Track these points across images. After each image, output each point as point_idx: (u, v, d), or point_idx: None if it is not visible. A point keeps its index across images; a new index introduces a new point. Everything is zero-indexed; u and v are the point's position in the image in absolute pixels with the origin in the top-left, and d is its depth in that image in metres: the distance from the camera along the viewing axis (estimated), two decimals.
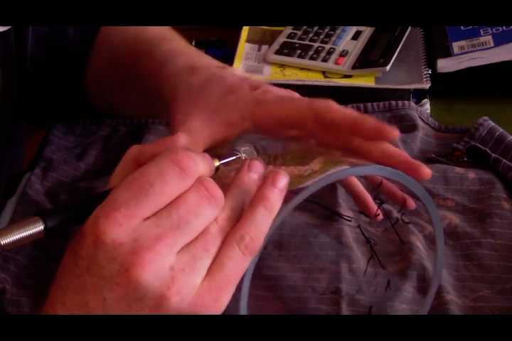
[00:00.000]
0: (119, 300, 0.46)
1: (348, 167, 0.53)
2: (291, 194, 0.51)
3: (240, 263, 0.48)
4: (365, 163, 0.56)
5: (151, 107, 0.74)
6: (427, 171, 0.56)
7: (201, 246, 0.48)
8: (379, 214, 0.66)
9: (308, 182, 0.51)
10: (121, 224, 0.46)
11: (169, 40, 0.73)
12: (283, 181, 0.50)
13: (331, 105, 0.58)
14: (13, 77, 0.78)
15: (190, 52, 0.70)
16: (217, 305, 0.48)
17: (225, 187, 0.51)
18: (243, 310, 0.51)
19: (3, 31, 0.72)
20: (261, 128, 0.61)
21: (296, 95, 0.64)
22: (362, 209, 0.67)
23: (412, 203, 0.61)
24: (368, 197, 0.66)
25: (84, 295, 0.47)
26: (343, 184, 0.68)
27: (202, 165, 0.49)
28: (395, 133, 0.55)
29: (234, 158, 0.56)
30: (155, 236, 0.46)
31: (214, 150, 0.61)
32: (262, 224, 0.49)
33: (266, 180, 0.50)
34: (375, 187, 0.64)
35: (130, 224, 0.46)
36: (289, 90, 0.64)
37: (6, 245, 0.47)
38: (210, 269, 0.48)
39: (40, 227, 0.48)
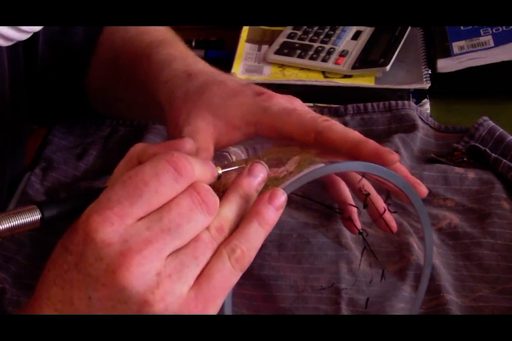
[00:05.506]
0: (103, 300, 0.46)
1: (323, 165, 0.53)
2: None
3: (228, 276, 0.48)
4: (341, 161, 0.56)
5: (147, 109, 0.73)
6: (424, 190, 0.57)
7: (191, 253, 0.47)
8: (368, 205, 0.65)
9: (282, 184, 0.51)
10: (112, 223, 0.46)
11: (168, 44, 0.72)
12: (280, 199, 0.50)
13: (333, 126, 0.58)
14: (20, 77, 0.78)
15: (187, 58, 0.70)
16: None
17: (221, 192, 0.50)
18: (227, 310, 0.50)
19: None
20: (262, 135, 0.61)
21: (298, 102, 0.63)
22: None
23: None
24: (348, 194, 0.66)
25: (70, 291, 0.47)
26: (325, 180, 0.68)
27: (199, 169, 0.49)
28: (395, 157, 0.55)
29: (238, 167, 0.54)
30: (144, 240, 0.46)
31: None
32: (254, 239, 0.49)
33: (263, 196, 0.49)
34: (358, 179, 0.64)
35: (122, 224, 0.46)
36: (290, 96, 0.63)
37: (1, 232, 0.46)
38: (199, 279, 0.47)
39: (36, 216, 0.47)
